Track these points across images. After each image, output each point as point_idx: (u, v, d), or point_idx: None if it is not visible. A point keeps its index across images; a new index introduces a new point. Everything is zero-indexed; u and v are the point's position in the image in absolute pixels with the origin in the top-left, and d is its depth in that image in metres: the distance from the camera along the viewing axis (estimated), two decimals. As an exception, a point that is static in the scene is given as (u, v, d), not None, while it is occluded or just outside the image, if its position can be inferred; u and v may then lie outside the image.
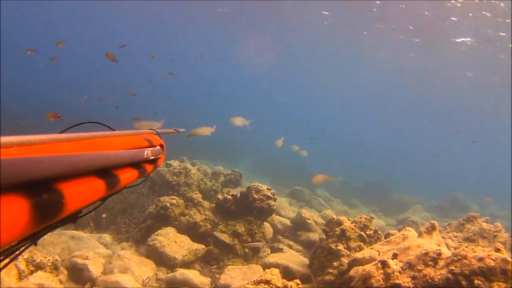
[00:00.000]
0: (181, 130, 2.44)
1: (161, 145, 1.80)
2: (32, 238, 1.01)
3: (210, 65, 60.33)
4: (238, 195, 9.03)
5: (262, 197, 8.61)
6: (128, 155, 1.25)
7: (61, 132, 1.15)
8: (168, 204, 8.68)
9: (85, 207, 0.98)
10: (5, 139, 0.79)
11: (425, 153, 69.92)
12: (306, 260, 8.28)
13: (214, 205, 9.24)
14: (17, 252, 1.02)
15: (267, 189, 8.80)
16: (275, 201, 8.85)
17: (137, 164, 1.38)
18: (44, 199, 0.72)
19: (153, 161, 1.61)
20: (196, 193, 9.24)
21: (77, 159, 0.88)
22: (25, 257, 5.43)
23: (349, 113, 78.91)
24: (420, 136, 72.73)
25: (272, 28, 34.65)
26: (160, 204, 8.74)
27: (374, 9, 24.89)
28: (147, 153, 1.46)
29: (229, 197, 9.00)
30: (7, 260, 1.02)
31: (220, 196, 9.22)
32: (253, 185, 8.82)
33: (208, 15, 34.40)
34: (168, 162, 11.48)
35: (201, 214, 8.81)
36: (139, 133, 1.63)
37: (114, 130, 1.48)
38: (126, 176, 1.21)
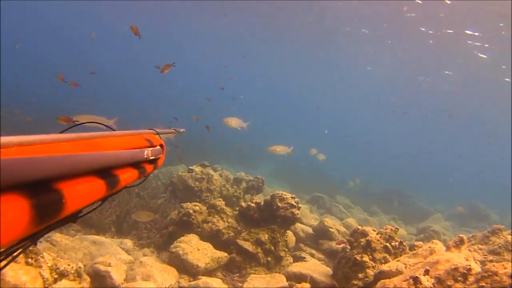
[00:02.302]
0: (181, 130, 2.46)
1: (161, 145, 1.81)
2: (32, 238, 1.02)
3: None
4: (262, 203, 8.97)
5: (286, 205, 8.54)
6: (128, 155, 1.26)
7: (61, 132, 1.16)
8: (191, 211, 8.64)
9: (85, 207, 0.99)
10: (5, 139, 0.80)
11: (446, 160, 69.22)
12: (329, 270, 8.22)
13: (236, 212, 9.19)
14: (17, 252, 1.03)
15: (291, 197, 8.73)
16: (298, 209, 8.77)
17: (137, 164, 1.39)
18: (44, 199, 0.73)
19: (153, 161, 1.62)
20: (219, 200, 9.20)
21: (77, 159, 0.89)
22: (49, 264, 5.42)
23: (365, 118, 78.50)
24: (442, 142, 71.94)
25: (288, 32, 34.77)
26: (183, 211, 8.70)
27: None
28: (147, 153, 1.47)
29: (252, 204, 8.95)
30: (7, 260, 1.04)
31: (243, 204, 9.17)
32: (277, 193, 8.76)
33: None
34: (190, 167, 11.49)
35: (224, 221, 8.77)
36: (139, 133, 1.65)
37: (114, 130, 1.47)
38: (126, 176, 1.21)
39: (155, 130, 1.88)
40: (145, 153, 1.45)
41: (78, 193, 0.86)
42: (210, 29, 41.39)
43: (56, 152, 0.95)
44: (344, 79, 49.88)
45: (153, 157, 1.55)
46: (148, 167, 1.52)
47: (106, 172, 1.07)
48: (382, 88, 49.57)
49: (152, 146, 1.65)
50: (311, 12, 28.37)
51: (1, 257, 0.99)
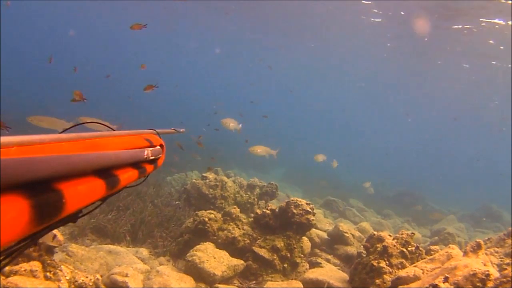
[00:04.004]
0: (181, 130, 2.46)
1: (161, 145, 1.81)
2: (32, 238, 1.02)
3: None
4: (277, 209, 8.96)
5: (301, 211, 8.52)
6: (128, 155, 1.26)
7: (61, 132, 1.16)
8: (206, 219, 8.64)
9: (85, 207, 0.99)
10: (5, 139, 0.81)
11: (457, 160, 68.67)
12: (345, 276, 8.20)
13: (251, 219, 9.20)
14: (17, 252, 1.03)
15: (306, 203, 8.71)
16: (314, 215, 8.75)
17: (137, 164, 1.40)
18: (44, 199, 0.73)
19: (153, 161, 1.62)
20: (234, 208, 9.21)
21: (77, 159, 0.90)
22: (67, 278, 5.43)
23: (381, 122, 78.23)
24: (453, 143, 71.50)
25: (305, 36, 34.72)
26: (198, 219, 8.71)
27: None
28: (147, 153, 1.48)
29: (267, 211, 8.94)
30: (7, 260, 1.04)
31: (258, 211, 9.17)
32: (292, 200, 8.76)
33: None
34: (204, 174, 11.52)
35: (239, 229, 8.77)
36: (139, 133, 1.66)
37: (114, 130, 1.50)
38: (126, 176, 1.22)
39: (155, 130, 1.91)
40: (145, 153, 1.46)
41: (78, 193, 0.87)
42: (220, 33, 41.43)
43: (56, 152, 0.96)
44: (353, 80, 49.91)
45: (153, 157, 1.56)
46: (148, 167, 1.53)
47: (106, 172, 1.08)
48: (392, 92, 49.51)
49: (152, 146, 1.66)
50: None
51: (1, 257, 1.01)
